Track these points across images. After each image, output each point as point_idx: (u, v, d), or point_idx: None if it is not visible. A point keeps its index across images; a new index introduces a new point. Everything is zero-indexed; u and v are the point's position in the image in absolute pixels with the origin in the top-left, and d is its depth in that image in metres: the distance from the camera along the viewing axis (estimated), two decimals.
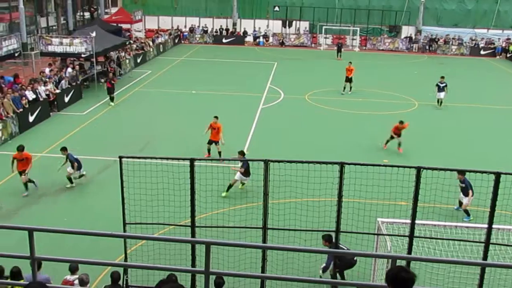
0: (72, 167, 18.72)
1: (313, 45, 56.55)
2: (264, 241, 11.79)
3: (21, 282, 8.99)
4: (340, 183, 11.27)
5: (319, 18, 57.20)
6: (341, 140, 24.70)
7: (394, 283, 4.53)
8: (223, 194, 18.05)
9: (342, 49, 49.41)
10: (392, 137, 23.11)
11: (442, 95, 30.98)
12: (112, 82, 30.50)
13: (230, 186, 18.16)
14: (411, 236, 11.23)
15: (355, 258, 12.78)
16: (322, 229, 12.29)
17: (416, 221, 11.22)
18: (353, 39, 56.56)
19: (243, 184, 18.86)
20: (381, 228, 12.31)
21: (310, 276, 9.61)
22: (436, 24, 57.57)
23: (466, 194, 16.64)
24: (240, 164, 18.52)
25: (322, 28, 55.56)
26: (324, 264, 12.66)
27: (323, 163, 11.24)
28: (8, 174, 18.79)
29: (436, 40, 56.29)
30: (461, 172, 15.97)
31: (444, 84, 30.85)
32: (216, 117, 21.68)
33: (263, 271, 11.68)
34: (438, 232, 12.68)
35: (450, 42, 55.76)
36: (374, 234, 12.35)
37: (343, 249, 12.25)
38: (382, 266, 12.12)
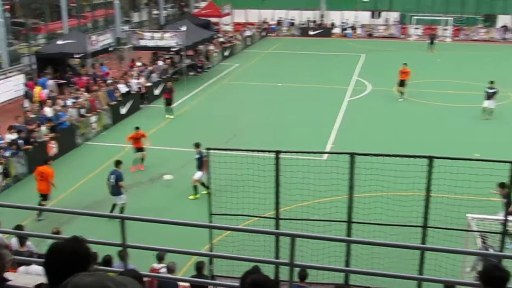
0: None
1: (402, 36, 55.05)
2: (349, 235, 11.66)
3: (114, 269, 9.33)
4: (429, 177, 10.95)
5: (409, 8, 55.67)
6: (431, 133, 23.92)
7: (489, 282, 4.42)
8: (191, 197, 17.75)
9: (435, 41, 47.59)
10: None
11: (488, 103, 26.00)
12: (171, 92, 27.41)
13: (195, 188, 17.80)
14: (504, 233, 10.74)
15: None
16: (408, 224, 11.98)
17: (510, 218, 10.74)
18: (445, 30, 54.45)
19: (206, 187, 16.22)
20: (471, 224, 11.87)
21: (396, 272, 9.38)
22: None
23: None
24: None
25: (413, 19, 53.96)
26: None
27: (411, 156, 10.98)
28: (99, 166, 19.57)
29: None
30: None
31: (493, 91, 25.96)
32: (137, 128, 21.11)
33: (347, 265, 11.57)
34: None
35: None
36: (463, 230, 11.92)
37: None
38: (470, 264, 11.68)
